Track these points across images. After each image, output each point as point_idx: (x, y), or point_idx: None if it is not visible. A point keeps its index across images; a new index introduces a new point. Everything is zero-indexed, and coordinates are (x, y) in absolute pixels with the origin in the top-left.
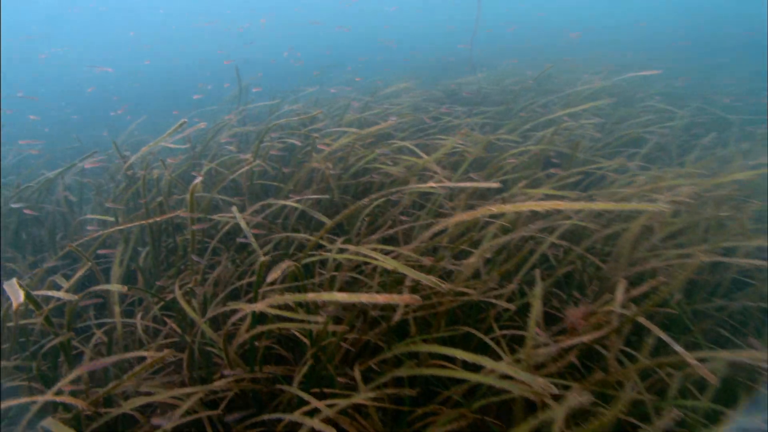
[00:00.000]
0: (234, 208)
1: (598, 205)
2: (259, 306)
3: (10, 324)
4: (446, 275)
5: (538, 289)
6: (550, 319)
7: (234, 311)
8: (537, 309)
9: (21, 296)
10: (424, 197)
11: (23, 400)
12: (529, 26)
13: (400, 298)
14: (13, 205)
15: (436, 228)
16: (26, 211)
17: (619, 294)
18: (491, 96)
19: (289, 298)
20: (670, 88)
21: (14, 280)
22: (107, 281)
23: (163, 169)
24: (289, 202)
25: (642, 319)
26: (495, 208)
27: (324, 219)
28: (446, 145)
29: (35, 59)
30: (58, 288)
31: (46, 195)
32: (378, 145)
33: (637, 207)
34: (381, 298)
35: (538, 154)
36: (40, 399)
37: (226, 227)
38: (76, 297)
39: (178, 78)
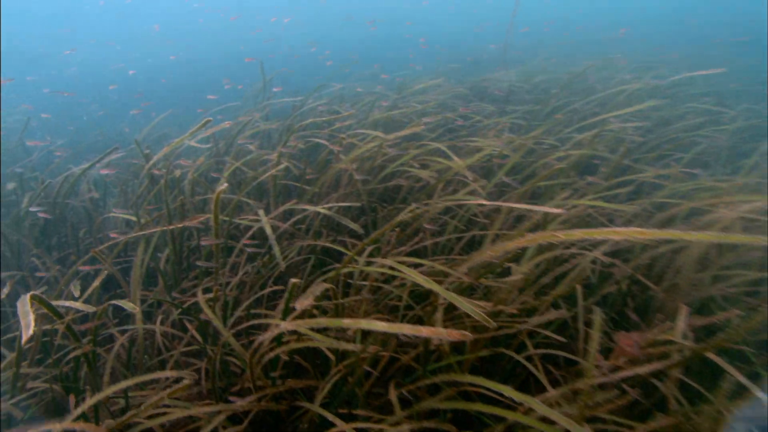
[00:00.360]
0: (261, 212)
1: (689, 236)
2: (290, 325)
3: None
4: (477, 287)
5: (598, 319)
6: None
7: (255, 320)
8: (595, 341)
9: (32, 326)
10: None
11: (37, 430)
12: (565, 23)
13: (449, 333)
14: (32, 209)
15: (488, 254)
16: (41, 215)
17: (681, 322)
18: (522, 95)
19: (324, 321)
20: (718, 87)
21: (27, 297)
22: (128, 283)
23: (186, 167)
24: (319, 209)
25: (713, 356)
26: (562, 235)
27: (353, 226)
28: (481, 149)
29: (59, 55)
30: (82, 290)
31: (71, 191)
32: (405, 145)
33: (746, 240)
34: (426, 332)
35: (577, 158)
36: (57, 427)
37: (251, 232)
38: (94, 308)
39: (201, 74)
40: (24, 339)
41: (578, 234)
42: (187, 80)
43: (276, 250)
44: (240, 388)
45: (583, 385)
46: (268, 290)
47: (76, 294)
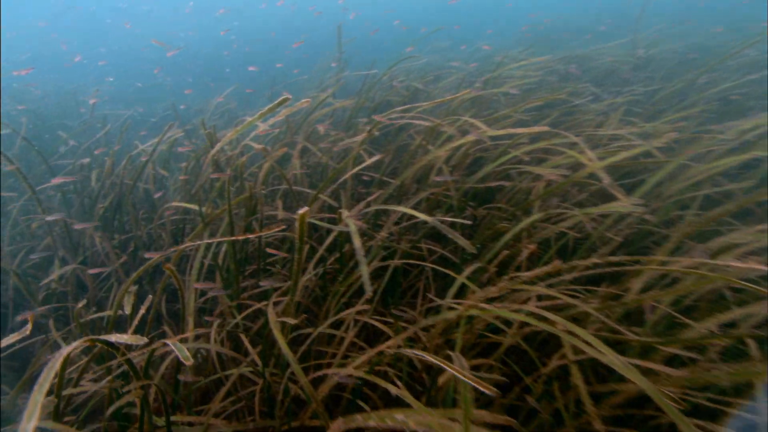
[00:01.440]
0: (344, 213)
1: None
2: (400, 416)
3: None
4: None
5: None
6: None
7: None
8: None
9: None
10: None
11: None
12: None
13: None
14: (48, 218)
15: None
16: (48, 219)
17: None
18: (644, 73)
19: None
20: None
21: (63, 355)
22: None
23: (251, 150)
24: (425, 217)
25: None
26: None
27: (463, 243)
28: (605, 141)
29: (120, 27)
30: (140, 300)
31: (136, 173)
32: (500, 125)
33: None
34: None
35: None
36: None
37: (331, 237)
38: (145, 339)
39: (271, 46)
40: None
41: None
42: (259, 53)
43: (364, 270)
44: (300, 425)
45: None
46: (344, 312)
47: (128, 310)
